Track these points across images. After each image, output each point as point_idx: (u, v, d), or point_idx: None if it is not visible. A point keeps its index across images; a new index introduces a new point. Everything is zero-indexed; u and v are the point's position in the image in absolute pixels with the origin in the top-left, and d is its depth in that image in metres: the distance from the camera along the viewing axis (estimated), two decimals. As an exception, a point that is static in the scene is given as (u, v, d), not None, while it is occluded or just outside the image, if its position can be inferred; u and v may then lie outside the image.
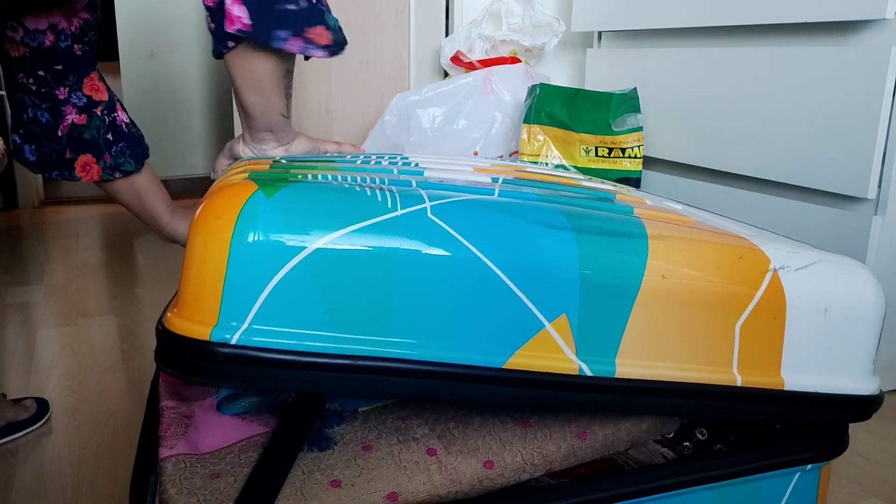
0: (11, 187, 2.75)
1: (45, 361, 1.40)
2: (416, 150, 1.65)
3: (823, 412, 0.53)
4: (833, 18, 1.18)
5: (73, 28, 0.86)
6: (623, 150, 1.55)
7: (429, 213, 0.43)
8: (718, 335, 0.49)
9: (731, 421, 0.54)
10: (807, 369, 0.52)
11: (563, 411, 0.52)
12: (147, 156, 0.99)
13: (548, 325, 0.45)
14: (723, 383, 0.50)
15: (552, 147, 1.59)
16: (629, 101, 1.56)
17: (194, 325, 0.40)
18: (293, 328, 0.40)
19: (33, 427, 1.14)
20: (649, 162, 1.61)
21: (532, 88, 1.63)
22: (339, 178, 0.47)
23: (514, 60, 1.77)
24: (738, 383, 0.50)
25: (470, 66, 1.77)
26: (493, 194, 0.48)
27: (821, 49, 1.21)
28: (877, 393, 0.54)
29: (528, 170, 0.76)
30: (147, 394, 0.85)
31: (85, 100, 0.93)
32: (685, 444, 0.61)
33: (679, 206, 0.68)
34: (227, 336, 0.40)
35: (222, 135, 3.10)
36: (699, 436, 0.61)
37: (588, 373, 0.46)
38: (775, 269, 0.50)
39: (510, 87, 1.71)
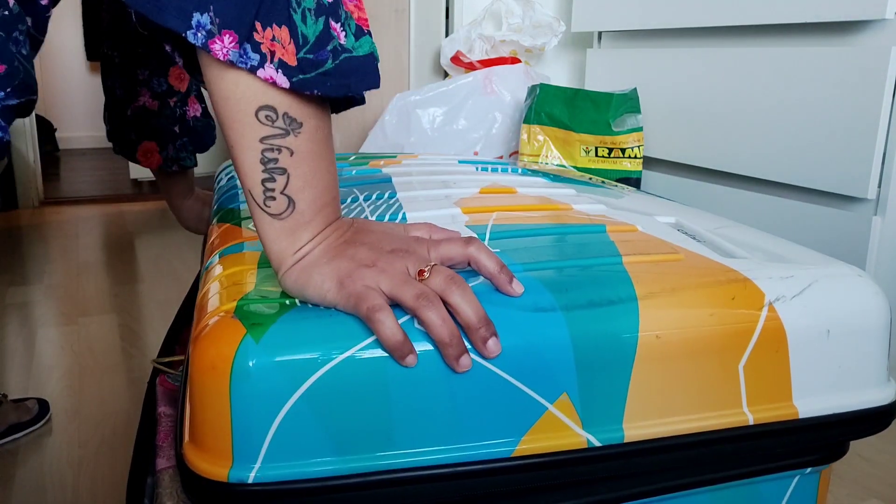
0: (11, 187, 2.75)
1: (45, 361, 1.40)
2: (416, 150, 1.65)
3: (842, 432, 0.53)
4: (833, 18, 1.18)
5: None
6: (623, 151, 1.55)
7: (416, 324, 0.44)
8: (722, 379, 0.49)
9: (752, 461, 0.54)
10: (819, 393, 0.52)
11: (578, 485, 0.52)
12: (206, 149, 1.01)
13: (550, 407, 0.46)
14: (735, 425, 0.50)
15: (552, 147, 1.59)
16: (629, 102, 1.56)
17: (212, 466, 0.43)
18: (304, 458, 0.43)
19: (34, 427, 1.14)
20: (649, 162, 1.61)
21: (532, 88, 1.64)
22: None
23: (514, 60, 1.77)
24: (751, 421, 0.50)
25: (470, 67, 1.77)
26: (479, 278, 0.49)
27: (821, 49, 1.21)
28: (893, 400, 0.54)
29: (517, 194, 0.75)
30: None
31: (165, 86, 0.93)
32: (686, 468, 0.60)
33: (672, 220, 0.67)
34: (245, 476, 0.42)
35: (222, 135, 3.10)
36: None
37: (597, 443, 0.47)
38: (770, 303, 0.50)
39: (510, 87, 1.71)
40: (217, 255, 0.57)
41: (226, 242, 0.60)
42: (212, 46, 0.42)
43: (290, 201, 0.46)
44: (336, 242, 0.47)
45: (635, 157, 1.55)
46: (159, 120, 0.94)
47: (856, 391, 0.53)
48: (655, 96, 1.56)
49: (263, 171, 0.45)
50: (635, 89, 1.58)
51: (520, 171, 0.94)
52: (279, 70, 0.43)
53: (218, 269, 0.54)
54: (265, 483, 0.42)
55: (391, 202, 0.68)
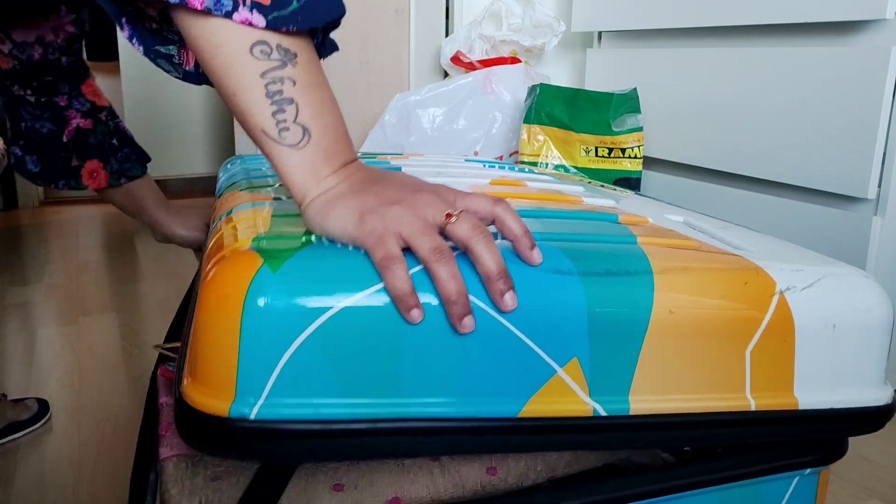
0: (11, 187, 2.75)
1: (46, 361, 1.40)
2: (416, 150, 1.65)
3: (838, 428, 0.53)
4: (833, 18, 1.18)
5: (59, 41, 0.86)
6: (623, 151, 1.55)
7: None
8: (729, 362, 0.50)
9: (750, 445, 0.54)
10: (819, 387, 0.52)
11: (580, 451, 0.52)
12: (149, 160, 0.99)
13: (559, 371, 0.46)
14: (737, 409, 0.50)
15: (552, 147, 1.59)
16: (629, 102, 1.56)
17: (212, 399, 0.41)
18: (309, 398, 0.42)
19: (34, 427, 1.14)
20: (649, 162, 1.61)
21: (532, 88, 1.64)
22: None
23: (514, 60, 1.77)
24: (753, 408, 0.50)
25: (470, 67, 1.77)
26: (497, 237, 0.48)
27: (821, 49, 1.21)
28: (890, 402, 0.54)
29: (528, 186, 0.75)
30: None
31: (89, 105, 0.93)
32: (685, 447, 0.61)
33: (680, 219, 0.68)
34: (246, 411, 0.41)
35: (222, 135, 3.11)
36: None
37: (603, 413, 0.47)
38: (781, 292, 0.50)
39: (510, 87, 1.72)
40: (224, 215, 0.56)
41: (232, 205, 0.59)
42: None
43: (305, 130, 0.46)
44: (361, 178, 0.47)
45: (635, 157, 1.56)
46: (96, 136, 0.94)
47: (854, 389, 0.53)
48: (655, 96, 1.56)
49: (272, 104, 0.45)
50: (635, 89, 1.58)
51: (526, 170, 0.94)
52: (253, 10, 0.44)
53: (228, 223, 0.53)
54: (267, 420, 0.41)
55: None
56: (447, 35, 1.93)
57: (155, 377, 0.75)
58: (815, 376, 0.52)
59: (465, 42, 1.80)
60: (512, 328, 0.44)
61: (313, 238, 0.46)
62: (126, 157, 0.96)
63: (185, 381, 0.43)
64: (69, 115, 0.92)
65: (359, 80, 1.92)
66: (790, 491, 0.56)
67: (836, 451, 0.56)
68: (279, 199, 0.60)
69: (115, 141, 0.95)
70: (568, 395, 0.46)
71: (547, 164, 1.59)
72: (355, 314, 0.42)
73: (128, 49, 2.86)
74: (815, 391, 0.52)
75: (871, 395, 0.53)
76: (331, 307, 0.41)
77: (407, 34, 1.97)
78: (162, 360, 0.82)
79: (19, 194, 2.78)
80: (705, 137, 1.45)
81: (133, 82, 2.92)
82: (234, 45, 0.44)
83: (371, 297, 0.42)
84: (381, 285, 0.42)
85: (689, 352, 0.48)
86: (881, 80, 1.12)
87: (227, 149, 3.12)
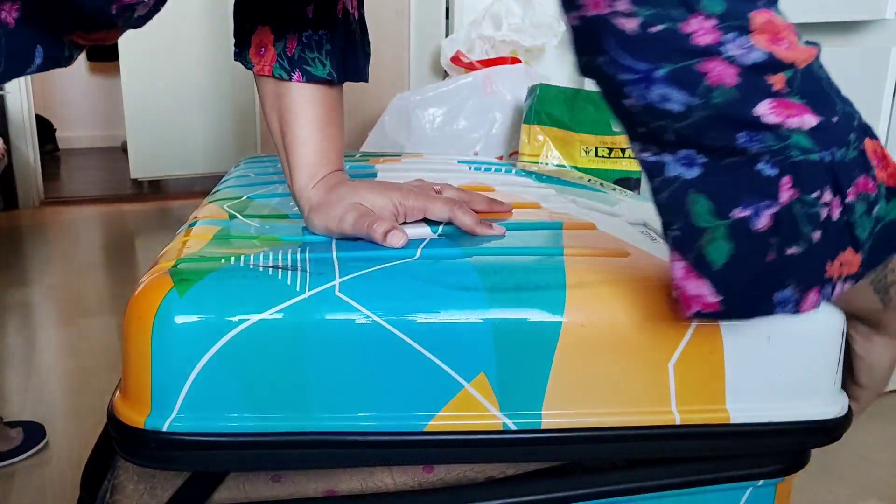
0: (11, 187, 2.75)
1: (45, 361, 1.40)
2: (416, 150, 1.65)
3: (781, 441, 0.52)
4: (833, 18, 1.18)
5: None
6: (623, 151, 1.55)
7: (336, 291, 0.45)
8: (650, 376, 0.49)
9: (677, 459, 0.53)
10: (756, 399, 0.50)
11: (491, 464, 0.53)
12: (361, 76, 0.63)
13: (467, 385, 0.46)
14: (660, 423, 0.49)
15: (552, 147, 1.59)
16: (629, 102, 1.56)
17: (132, 412, 0.45)
18: (218, 412, 0.45)
19: (12, 460, 1.06)
20: (649, 162, 1.61)
21: (532, 88, 1.64)
22: (262, 258, 0.49)
23: (514, 60, 1.77)
24: (678, 422, 0.49)
25: (470, 67, 1.77)
26: (415, 255, 0.50)
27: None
28: (842, 414, 0.52)
29: (495, 192, 0.74)
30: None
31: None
32: (606, 461, 0.60)
33: (641, 220, 0.66)
34: (160, 423, 0.44)
35: (222, 135, 3.11)
36: None
37: (513, 427, 0.47)
38: None
39: (510, 87, 1.72)
40: (186, 226, 0.60)
41: (198, 216, 0.63)
42: None
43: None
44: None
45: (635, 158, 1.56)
46: None
47: (800, 401, 0.51)
48: (655, 96, 1.56)
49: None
50: (635, 89, 1.58)
51: (514, 171, 0.93)
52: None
53: (179, 237, 0.57)
54: (179, 433, 0.44)
55: None
56: (447, 35, 1.93)
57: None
58: (751, 389, 0.50)
59: (465, 42, 1.80)
60: (415, 345, 0.45)
61: (232, 260, 0.48)
62: (316, 43, 0.59)
63: (116, 394, 0.48)
64: None
65: (359, 80, 1.92)
66: (742, 502, 0.54)
67: (792, 463, 0.54)
68: (234, 216, 0.63)
69: (308, 12, 0.59)
70: (476, 409, 0.47)
71: (547, 164, 1.59)
72: (260, 331, 0.44)
73: (128, 49, 2.87)
74: (750, 404, 0.50)
75: (821, 408, 0.51)
76: (236, 325, 0.44)
77: (407, 34, 1.97)
78: None
79: (19, 194, 2.79)
80: (705, 137, 1.45)
81: (133, 82, 2.92)
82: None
83: (275, 314, 0.44)
84: (285, 304, 0.44)
85: (604, 366, 0.48)
86: (881, 80, 1.12)
87: (226, 149, 3.12)
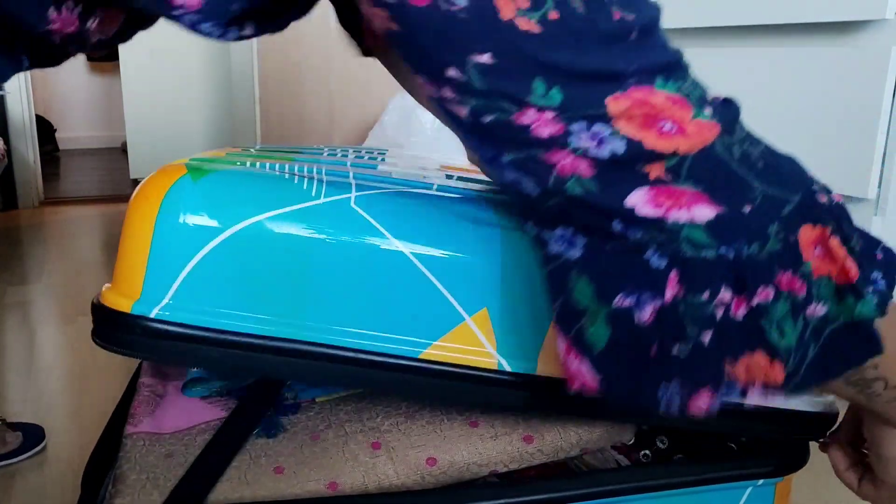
0: (11, 187, 2.75)
1: (45, 361, 1.40)
2: (416, 150, 1.65)
3: (776, 428, 0.52)
4: (833, 18, 1.18)
5: None
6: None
7: (352, 203, 0.44)
8: None
9: (677, 430, 0.53)
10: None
11: (481, 406, 0.51)
12: None
13: (468, 319, 0.45)
14: None
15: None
16: (629, 101, 1.56)
17: (120, 297, 0.43)
18: (210, 307, 0.42)
19: (13, 460, 1.06)
20: (649, 162, 1.61)
21: (532, 88, 1.63)
22: (278, 166, 0.48)
23: (514, 60, 1.77)
24: None
25: (470, 66, 1.77)
26: (432, 188, 0.48)
27: (821, 49, 1.21)
28: (833, 410, 0.52)
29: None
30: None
31: None
32: (644, 452, 0.59)
33: None
34: (147, 310, 0.42)
35: (222, 135, 3.11)
36: (659, 444, 0.59)
37: (508, 369, 0.46)
38: None
39: (510, 87, 1.71)
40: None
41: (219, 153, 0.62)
42: None
43: None
44: None
45: (635, 157, 1.56)
46: None
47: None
48: (655, 96, 1.56)
49: None
50: (635, 89, 1.58)
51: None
52: None
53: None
54: (165, 322, 0.42)
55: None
56: (447, 35, 1.92)
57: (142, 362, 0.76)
58: None
59: (465, 42, 1.80)
60: (423, 269, 0.44)
61: (248, 164, 0.47)
62: None
63: (105, 286, 0.46)
64: None
65: (359, 79, 1.92)
66: (742, 502, 0.54)
67: (792, 463, 0.54)
68: (248, 148, 0.62)
69: None
70: (474, 344, 0.45)
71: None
72: (268, 231, 0.42)
73: (128, 49, 2.86)
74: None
75: (812, 402, 0.52)
76: (244, 219, 0.42)
77: (407, 34, 1.96)
78: None
79: (19, 194, 2.78)
80: (705, 137, 1.45)
81: (133, 82, 2.92)
82: None
83: (282, 217, 0.43)
84: (298, 206, 0.43)
85: None
86: (881, 80, 1.12)
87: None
